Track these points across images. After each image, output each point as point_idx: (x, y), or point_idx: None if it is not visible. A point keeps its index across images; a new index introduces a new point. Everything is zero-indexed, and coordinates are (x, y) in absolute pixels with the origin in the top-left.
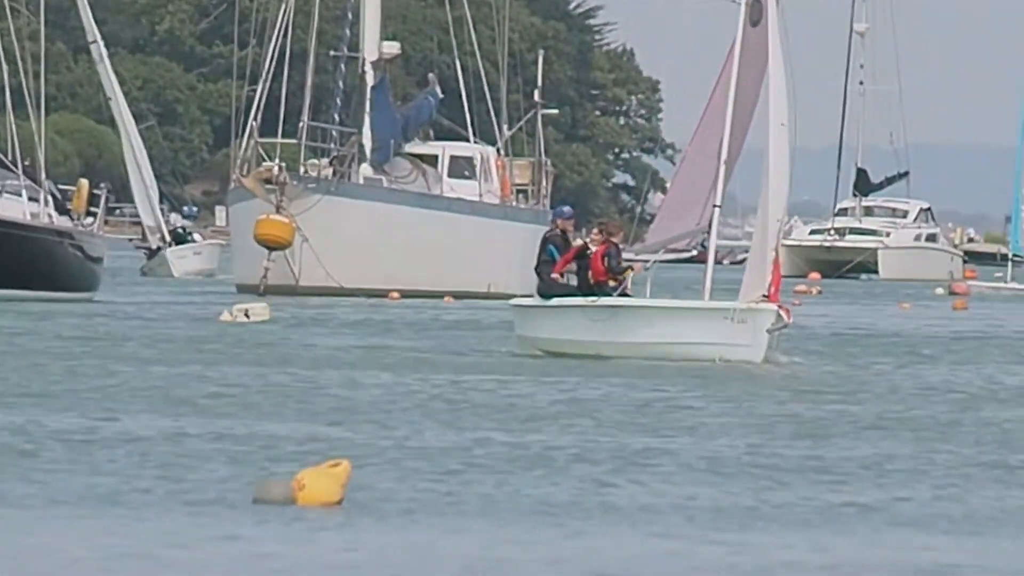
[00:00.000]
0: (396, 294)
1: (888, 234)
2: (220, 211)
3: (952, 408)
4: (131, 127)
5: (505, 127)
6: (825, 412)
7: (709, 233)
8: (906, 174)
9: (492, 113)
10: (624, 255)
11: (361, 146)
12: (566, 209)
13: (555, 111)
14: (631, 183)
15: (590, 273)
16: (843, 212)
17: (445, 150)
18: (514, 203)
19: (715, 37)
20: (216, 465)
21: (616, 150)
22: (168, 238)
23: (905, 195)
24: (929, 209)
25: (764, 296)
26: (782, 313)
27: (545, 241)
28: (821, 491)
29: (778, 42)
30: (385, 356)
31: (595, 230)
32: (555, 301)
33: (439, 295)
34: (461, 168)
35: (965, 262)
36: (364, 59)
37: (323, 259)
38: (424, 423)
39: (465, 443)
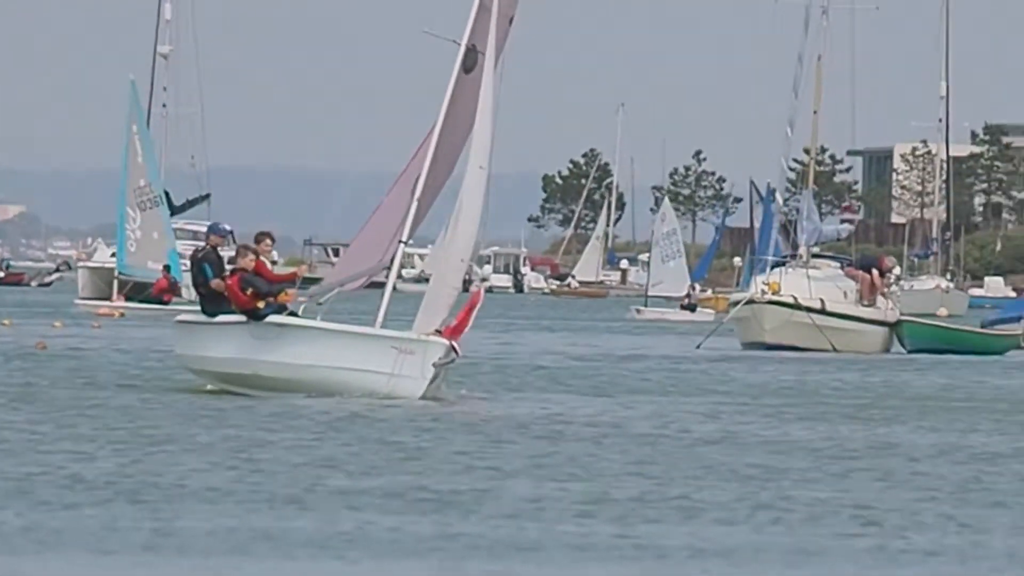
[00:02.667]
0: None
1: None
2: None
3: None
4: None
5: None
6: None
7: (391, 268)
8: (207, 196)
9: None
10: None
11: None
12: (220, 226)
13: None
14: None
15: (233, 306)
16: None
17: None
18: None
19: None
20: None
21: None
22: None
23: (206, 217)
24: (231, 232)
25: (437, 330)
26: (455, 347)
27: (199, 260)
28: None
29: (490, 88)
30: None
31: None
32: (221, 318)
33: None
34: None
35: None
36: None
37: None
38: None
39: None
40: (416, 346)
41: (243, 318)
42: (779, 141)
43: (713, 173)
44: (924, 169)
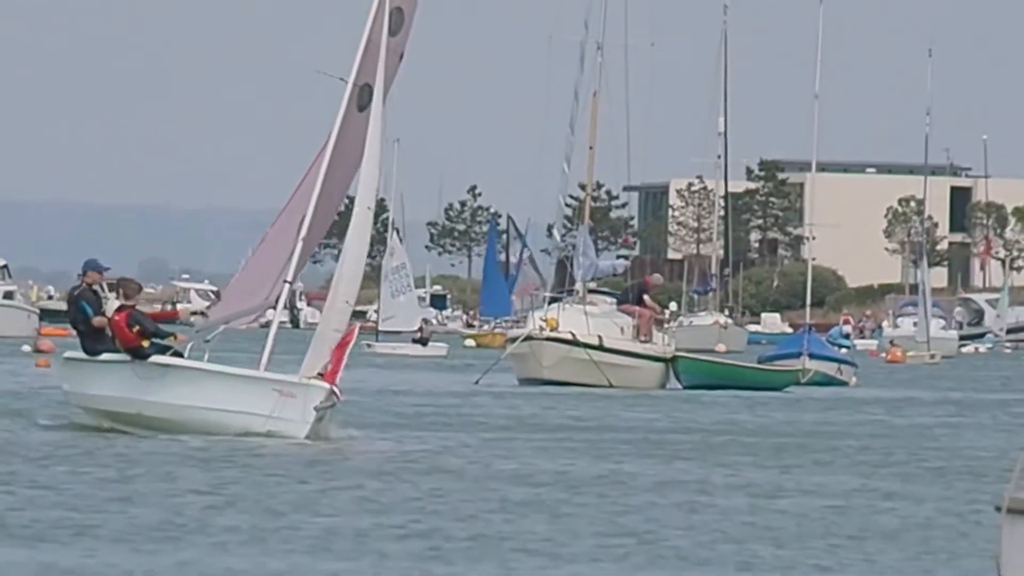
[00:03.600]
0: None
1: None
2: None
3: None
4: None
5: None
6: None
7: (276, 307)
8: None
9: None
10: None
11: None
12: (96, 262)
13: None
14: None
15: (117, 343)
16: None
17: None
18: None
19: None
20: None
21: None
22: None
23: None
24: (6, 266)
25: (319, 373)
26: (335, 391)
27: (76, 299)
28: None
29: (378, 128)
30: None
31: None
32: (106, 356)
33: None
34: None
35: (41, 319)
36: None
37: None
38: None
39: None
40: (297, 390)
41: (126, 357)
42: (557, 177)
43: (489, 208)
44: (700, 205)
